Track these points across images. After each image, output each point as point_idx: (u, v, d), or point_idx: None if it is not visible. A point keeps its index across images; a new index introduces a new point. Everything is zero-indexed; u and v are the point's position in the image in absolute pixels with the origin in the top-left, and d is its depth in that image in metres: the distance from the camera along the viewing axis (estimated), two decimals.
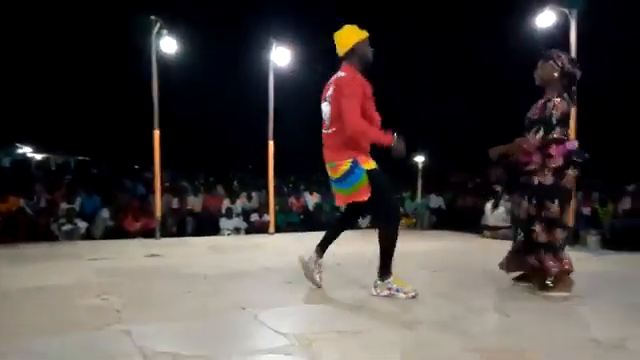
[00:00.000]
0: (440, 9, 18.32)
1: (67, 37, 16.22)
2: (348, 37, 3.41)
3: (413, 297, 3.28)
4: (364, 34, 3.42)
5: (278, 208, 9.73)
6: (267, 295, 3.47)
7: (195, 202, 10.42)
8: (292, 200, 11.29)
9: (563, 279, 3.48)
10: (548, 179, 3.45)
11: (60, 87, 16.93)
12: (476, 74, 18.98)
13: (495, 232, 8.31)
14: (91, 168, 14.04)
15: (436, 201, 13.06)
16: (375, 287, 3.37)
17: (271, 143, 8.24)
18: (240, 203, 10.59)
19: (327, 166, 3.47)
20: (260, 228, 9.39)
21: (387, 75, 19.73)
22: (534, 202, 3.50)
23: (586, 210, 9.50)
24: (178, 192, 10.46)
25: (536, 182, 3.50)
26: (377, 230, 3.35)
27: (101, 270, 4.48)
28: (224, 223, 9.64)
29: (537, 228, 3.50)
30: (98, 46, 16.85)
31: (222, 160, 17.64)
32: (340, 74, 3.37)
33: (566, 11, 6.79)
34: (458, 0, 17.52)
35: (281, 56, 8.25)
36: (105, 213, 8.88)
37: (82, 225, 8.27)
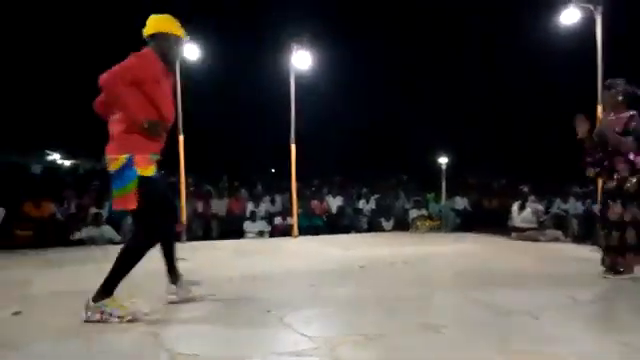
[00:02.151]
0: (455, 10, 18.11)
1: (90, 46, 16.54)
2: (155, 24, 3.11)
3: (130, 321, 2.77)
4: (173, 30, 3.12)
5: (301, 211, 9.76)
6: (292, 298, 3.48)
7: (219, 206, 10.53)
8: (315, 203, 11.31)
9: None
10: (633, 186, 3.96)
11: (86, 94, 17.36)
12: (499, 74, 18.71)
13: (522, 233, 8.16)
14: None
15: (461, 203, 12.91)
16: (87, 309, 2.78)
17: (293, 146, 8.29)
18: (264, 206, 10.66)
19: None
20: (284, 231, 9.44)
21: (411, 75, 19.66)
22: (625, 206, 3.98)
23: None
24: (203, 196, 10.59)
25: (625, 188, 3.98)
26: (124, 245, 2.99)
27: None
28: (248, 226, 9.72)
29: (630, 232, 3.97)
30: (121, 53, 17.24)
31: (245, 164, 17.79)
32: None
33: (591, 7, 6.65)
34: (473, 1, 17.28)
35: (302, 59, 8.30)
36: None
37: (109, 230, 8.44)
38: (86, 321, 2.75)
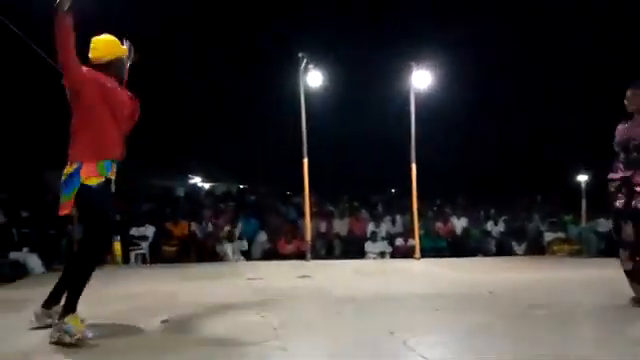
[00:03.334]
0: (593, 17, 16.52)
1: (224, 80, 17.98)
2: (111, 48, 3.18)
3: (78, 340, 2.68)
4: (124, 51, 3.26)
5: (423, 232, 9.54)
6: (415, 321, 3.42)
7: (341, 226, 10.72)
8: (439, 224, 10.97)
9: None
10: None
11: (221, 126, 18.99)
12: None
13: None
14: (250, 195, 15.30)
15: (605, 225, 11.60)
16: (54, 329, 2.75)
17: (414, 166, 8.20)
18: (384, 227, 10.62)
19: None
20: (405, 253, 9.28)
21: (544, 84, 18.26)
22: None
23: None
24: (325, 216, 10.87)
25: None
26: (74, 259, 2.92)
27: (259, 289, 4.85)
28: (369, 247, 9.74)
29: None
30: (249, 88, 18.56)
31: (365, 184, 17.93)
32: None
33: None
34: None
35: (421, 78, 8.24)
36: (262, 236, 9.63)
37: (243, 245, 9.10)
38: (51, 343, 2.69)
